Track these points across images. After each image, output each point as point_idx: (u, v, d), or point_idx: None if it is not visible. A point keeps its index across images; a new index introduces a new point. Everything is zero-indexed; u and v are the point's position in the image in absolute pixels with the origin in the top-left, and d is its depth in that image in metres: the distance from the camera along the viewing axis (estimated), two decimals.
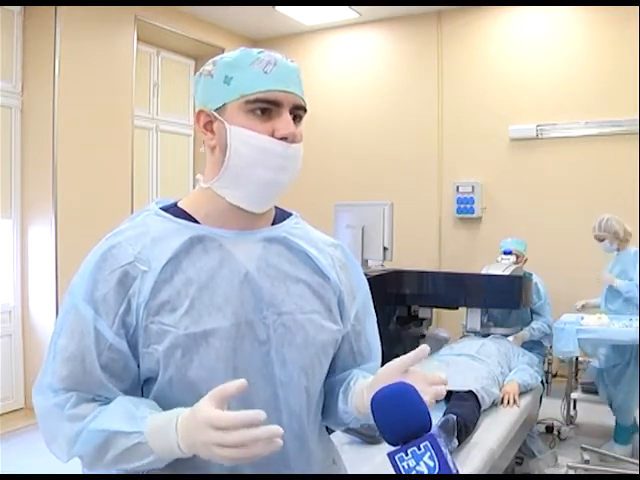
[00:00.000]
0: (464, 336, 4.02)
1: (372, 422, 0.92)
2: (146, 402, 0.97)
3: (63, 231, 4.41)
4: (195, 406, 0.87)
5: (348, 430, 2.38)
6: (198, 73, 1.06)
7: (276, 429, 0.82)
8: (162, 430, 0.89)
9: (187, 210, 1.06)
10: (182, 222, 1.03)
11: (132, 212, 4.86)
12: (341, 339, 1.13)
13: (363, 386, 1.04)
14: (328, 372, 1.12)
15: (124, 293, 0.97)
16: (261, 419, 0.81)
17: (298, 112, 1.03)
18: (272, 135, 0.99)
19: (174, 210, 1.06)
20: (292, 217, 1.15)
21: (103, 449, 0.92)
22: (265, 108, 0.99)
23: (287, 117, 1.00)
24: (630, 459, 3.57)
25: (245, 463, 0.99)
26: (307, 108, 1.04)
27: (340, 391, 1.11)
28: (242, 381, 0.84)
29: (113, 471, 0.99)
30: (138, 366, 0.99)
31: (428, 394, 0.92)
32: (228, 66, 1.01)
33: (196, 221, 1.04)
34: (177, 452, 0.88)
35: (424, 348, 0.98)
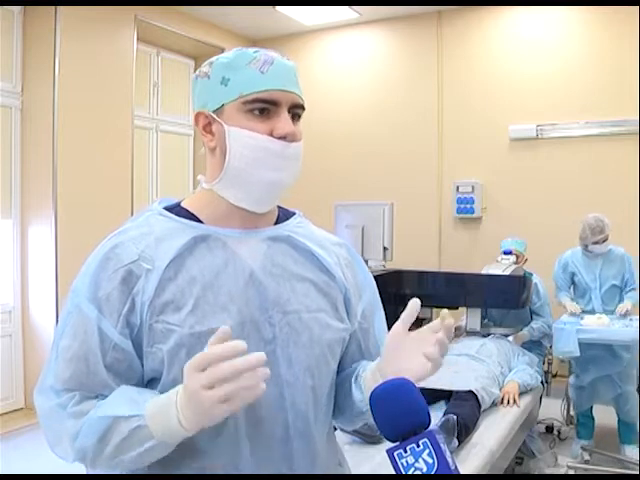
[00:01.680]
0: (464, 336, 4.01)
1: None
2: (150, 391, 0.97)
3: (63, 231, 4.41)
4: None
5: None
6: (195, 75, 1.06)
7: (257, 355, 0.82)
8: (162, 409, 0.89)
9: (190, 210, 1.06)
10: (186, 222, 1.03)
11: (132, 212, 4.87)
12: (349, 337, 1.12)
13: (374, 368, 1.04)
14: (338, 371, 1.11)
15: (128, 292, 0.96)
16: (240, 349, 0.81)
17: (297, 111, 1.03)
18: (271, 135, 0.99)
19: (177, 210, 1.06)
20: (295, 216, 1.15)
21: (105, 437, 0.92)
22: (263, 108, 0.99)
23: (286, 116, 1.00)
24: (630, 459, 3.57)
25: (247, 463, 0.99)
26: (305, 106, 1.05)
27: (352, 382, 1.10)
28: (224, 327, 0.84)
29: (117, 469, 0.99)
30: (142, 366, 0.98)
31: (438, 334, 0.95)
32: (225, 67, 1.01)
33: (200, 221, 1.04)
34: (177, 430, 0.87)
35: (415, 302, 1.00)
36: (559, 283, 4.09)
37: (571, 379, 3.90)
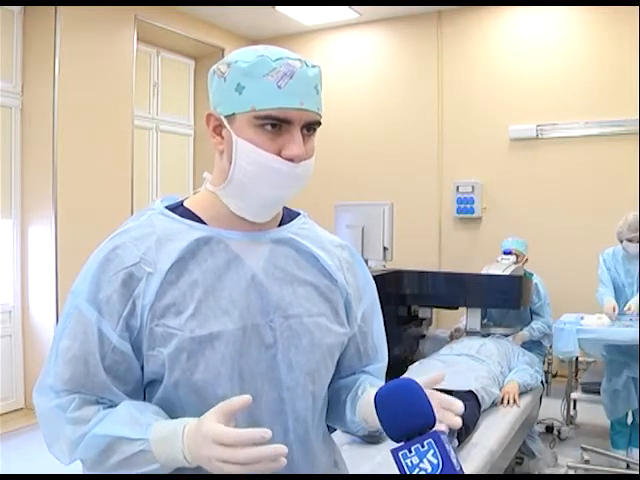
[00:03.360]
0: (464, 336, 4.01)
1: (380, 427, 0.91)
2: (151, 408, 0.96)
3: (63, 231, 4.40)
4: (201, 418, 0.87)
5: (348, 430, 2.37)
6: (212, 70, 1.01)
7: (281, 448, 0.81)
8: (167, 439, 0.88)
9: (194, 210, 1.04)
10: (188, 222, 1.02)
11: (132, 212, 4.87)
12: (348, 341, 1.12)
13: (371, 398, 1.01)
14: (334, 373, 1.11)
15: (128, 295, 0.96)
16: (267, 437, 0.81)
17: (312, 126, 1.00)
18: (280, 154, 0.96)
19: (180, 210, 1.04)
20: (300, 217, 1.14)
21: (106, 454, 0.92)
22: (275, 124, 0.95)
23: (297, 136, 0.96)
24: (630, 459, 3.57)
25: None
26: (321, 121, 1.01)
27: (347, 399, 1.10)
28: (247, 397, 0.84)
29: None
30: (142, 369, 0.98)
31: (442, 423, 0.90)
32: (242, 73, 0.95)
33: (202, 221, 1.03)
34: (182, 461, 0.88)
35: (440, 375, 0.97)
36: (603, 278, 3.91)
37: (603, 384, 3.73)
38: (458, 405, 0.93)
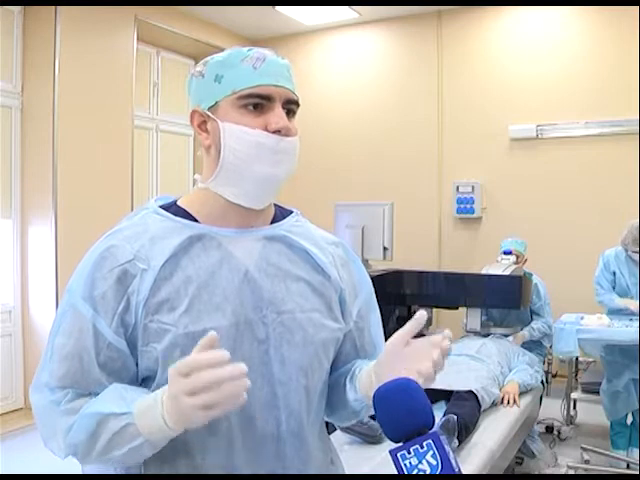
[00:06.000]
0: (464, 336, 4.02)
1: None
2: (140, 389, 0.97)
3: (63, 231, 4.40)
4: None
5: (348, 430, 2.38)
6: (190, 74, 1.07)
7: (240, 367, 0.82)
8: (149, 407, 0.89)
9: (186, 209, 1.06)
10: (181, 221, 1.03)
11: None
12: (344, 337, 1.12)
13: (370, 370, 1.04)
14: (331, 369, 1.12)
15: (123, 291, 0.97)
16: (225, 358, 0.81)
17: (291, 107, 1.03)
18: (265, 129, 0.99)
19: (174, 209, 1.06)
20: (292, 215, 1.15)
21: (95, 434, 0.92)
22: (257, 103, 1.00)
23: (279, 111, 1.00)
24: (630, 459, 3.57)
25: (240, 460, 1.00)
26: (299, 102, 1.05)
27: (347, 381, 1.11)
28: (212, 333, 0.84)
29: (109, 466, 1.00)
30: (136, 365, 0.99)
31: (436, 352, 0.94)
32: (219, 65, 1.02)
33: (195, 220, 1.04)
34: (164, 428, 0.88)
35: (422, 315, 0.98)
36: (604, 284, 3.88)
37: (603, 385, 3.72)
38: (444, 333, 0.96)
